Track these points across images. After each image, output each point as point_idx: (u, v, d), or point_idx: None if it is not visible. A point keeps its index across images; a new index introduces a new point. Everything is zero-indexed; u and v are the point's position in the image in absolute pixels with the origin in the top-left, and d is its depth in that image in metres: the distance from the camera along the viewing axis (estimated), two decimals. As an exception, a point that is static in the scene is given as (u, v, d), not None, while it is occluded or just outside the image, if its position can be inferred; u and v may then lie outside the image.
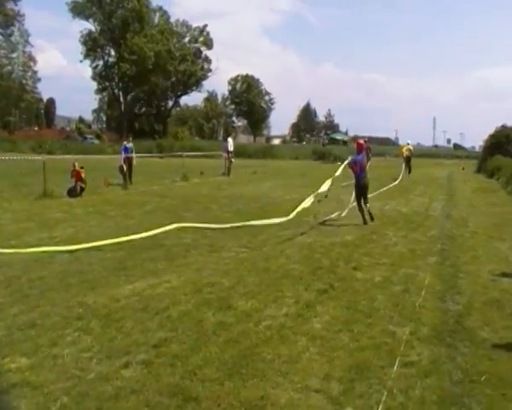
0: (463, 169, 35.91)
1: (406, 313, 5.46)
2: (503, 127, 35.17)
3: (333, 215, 12.05)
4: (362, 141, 12.92)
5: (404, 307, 5.63)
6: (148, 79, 70.77)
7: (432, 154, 64.56)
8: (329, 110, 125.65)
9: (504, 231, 10.72)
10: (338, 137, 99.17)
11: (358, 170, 11.53)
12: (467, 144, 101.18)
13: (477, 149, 58.78)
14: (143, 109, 79.36)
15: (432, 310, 5.57)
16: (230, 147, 25.70)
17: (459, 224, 11.54)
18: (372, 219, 11.34)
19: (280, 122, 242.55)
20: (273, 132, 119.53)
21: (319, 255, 8.09)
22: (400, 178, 23.33)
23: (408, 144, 29.10)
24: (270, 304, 5.66)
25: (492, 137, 35.32)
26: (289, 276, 6.82)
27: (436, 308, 5.64)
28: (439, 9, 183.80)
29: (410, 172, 27.02)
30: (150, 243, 8.64)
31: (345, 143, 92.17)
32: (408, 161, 27.46)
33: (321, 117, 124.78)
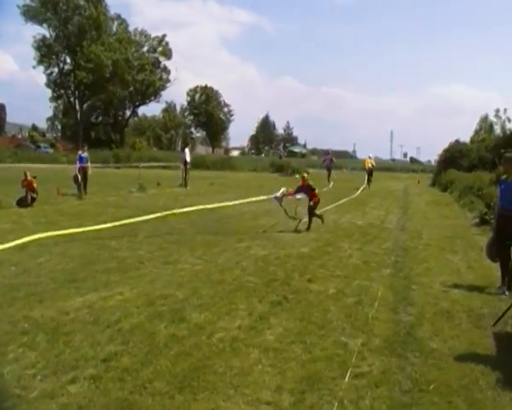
0: (419, 182, 36.88)
1: (359, 324, 5.55)
2: (457, 142, 36.47)
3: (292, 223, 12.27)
4: (305, 175, 12.97)
5: (357, 319, 5.72)
6: (106, 88, 69.72)
7: (389, 167, 66.15)
8: (288, 123, 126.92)
9: (456, 244, 11.10)
10: (296, 149, 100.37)
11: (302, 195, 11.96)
12: (423, 158, 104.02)
13: (433, 163, 60.67)
14: (100, 118, 78.08)
15: (384, 321, 5.68)
16: (188, 158, 25.57)
17: (413, 236, 11.86)
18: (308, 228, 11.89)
19: (239, 134, 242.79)
20: (232, 144, 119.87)
21: (274, 267, 8.14)
22: (362, 188, 25.25)
23: (370, 158, 30.87)
24: (224, 316, 5.65)
25: (446, 151, 36.46)
26: (244, 288, 6.83)
27: (388, 320, 5.76)
28: (400, 27, 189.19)
29: (369, 184, 28.28)
30: (104, 254, 8.49)
31: (303, 155, 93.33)
32: (370, 174, 29.33)
33: (280, 129, 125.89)
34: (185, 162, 25.27)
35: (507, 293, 7.01)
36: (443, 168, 33.85)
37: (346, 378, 4.21)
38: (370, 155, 32.04)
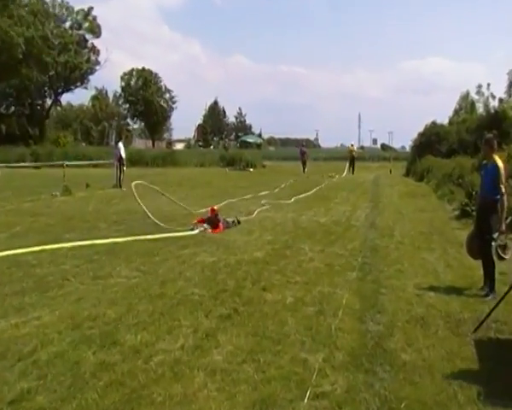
0: (391, 172, 37.76)
1: (320, 337, 5.63)
2: (434, 124, 37.30)
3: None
4: (215, 208, 13.18)
5: (318, 331, 5.79)
6: (18, 72, 67.47)
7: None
8: (240, 109, 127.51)
9: (433, 240, 11.44)
10: (250, 139, 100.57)
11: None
12: (396, 144, 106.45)
13: (407, 150, 61.97)
14: (13, 108, 75.82)
15: (349, 332, 5.78)
16: (123, 153, 25.24)
17: (384, 234, 12.14)
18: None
19: (183, 124, 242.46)
20: (175, 136, 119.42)
21: (223, 276, 8.18)
22: (345, 174, 34.24)
23: (352, 146, 42.61)
24: (164, 336, 5.63)
25: (422, 135, 37.37)
26: (188, 302, 6.82)
27: (354, 330, 5.86)
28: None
29: (353, 172, 37.78)
30: (17, 272, 8.27)
31: (258, 146, 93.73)
32: (353, 161, 39.28)
33: (231, 117, 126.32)
34: (120, 159, 24.95)
35: (491, 295, 7.17)
36: (418, 155, 34.78)
37: (305, 400, 4.25)
38: (353, 142, 43.88)
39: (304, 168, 39.17)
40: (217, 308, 6.55)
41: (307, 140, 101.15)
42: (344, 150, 63.64)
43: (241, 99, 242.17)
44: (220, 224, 12.43)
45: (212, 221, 12.47)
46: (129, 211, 15.62)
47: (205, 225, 12.30)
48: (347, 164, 39.69)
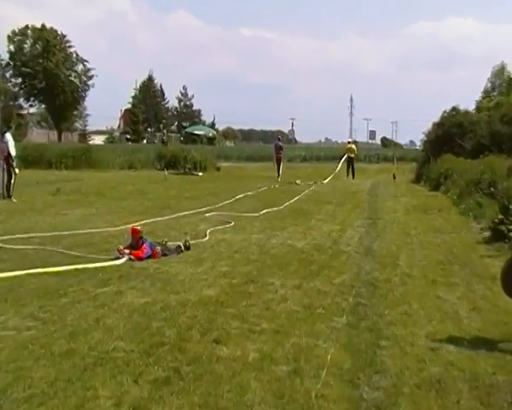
0: (395, 178, 38.01)
1: (295, 408, 5.68)
2: (455, 111, 37.55)
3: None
4: (138, 228, 13.29)
5: (293, 400, 5.84)
6: None
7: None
8: (185, 88, 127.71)
9: (454, 272, 11.62)
10: (199, 131, 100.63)
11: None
12: (402, 139, 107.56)
13: (417, 146, 62.53)
14: None
15: (336, 401, 5.83)
16: (12, 149, 24.97)
17: (385, 263, 12.31)
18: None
19: (104, 109, 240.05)
20: (93, 126, 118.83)
21: (160, 324, 8.14)
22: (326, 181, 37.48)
23: (350, 143, 45.34)
24: (72, 413, 5.61)
25: (438, 126, 37.60)
26: (109, 361, 6.79)
27: (342, 398, 5.92)
28: None
29: (353, 175, 41.21)
30: None
31: (211, 140, 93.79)
32: (351, 162, 42.27)
33: (172, 100, 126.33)
34: (7, 157, 24.68)
35: None
36: (433, 153, 34.98)
37: None
38: (350, 139, 49.54)
39: (278, 170, 40.65)
40: (150, 370, 6.54)
41: (280, 132, 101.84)
42: (330, 147, 64.64)
43: (187, 75, 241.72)
44: (144, 248, 12.46)
45: (135, 246, 12.54)
46: (23, 230, 15.50)
47: (125, 251, 12.26)
48: (339, 166, 44.00)
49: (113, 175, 40.11)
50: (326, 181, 37.94)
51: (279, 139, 45.74)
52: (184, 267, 11.73)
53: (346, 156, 43.42)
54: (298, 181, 36.26)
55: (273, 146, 44.29)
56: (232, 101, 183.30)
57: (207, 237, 15.05)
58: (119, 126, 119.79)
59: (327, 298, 9.55)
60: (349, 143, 46.34)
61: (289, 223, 17.80)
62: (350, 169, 42.00)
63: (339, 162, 45.76)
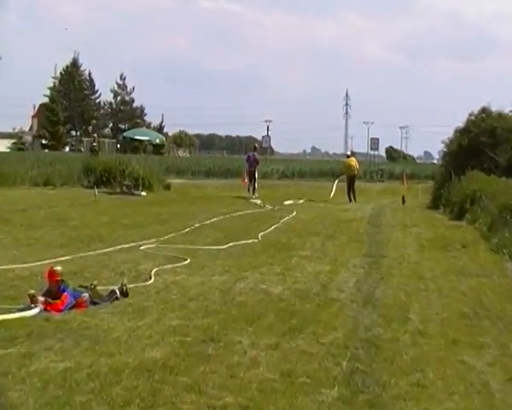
0: (404, 202, 38.28)
1: None
2: (485, 113, 37.71)
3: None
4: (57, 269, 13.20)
5: None
6: None
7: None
8: (123, 78, 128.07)
9: (483, 329, 11.56)
10: (142, 136, 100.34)
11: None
12: (413, 150, 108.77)
13: (435, 160, 62.96)
14: None
15: None
16: None
17: (391, 316, 12.21)
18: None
19: (9, 104, 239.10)
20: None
21: (86, 397, 7.94)
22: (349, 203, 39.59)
23: (350, 158, 45.84)
24: None
25: (463, 134, 37.80)
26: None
27: None
28: None
29: (354, 197, 42.18)
30: None
31: (158, 148, 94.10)
32: (352, 181, 43.28)
33: (105, 92, 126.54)
34: None
35: None
36: (456, 169, 35.14)
37: None
38: (349, 152, 49.85)
39: (253, 188, 42.97)
40: None
41: (254, 141, 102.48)
42: (318, 159, 65.43)
43: (125, 60, 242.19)
44: (65, 297, 12.26)
45: (54, 293, 12.31)
46: None
47: (40, 299, 12.03)
48: (333, 188, 45.24)
49: (22, 194, 39.71)
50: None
51: (255, 149, 46.42)
52: (120, 321, 11.49)
53: (344, 176, 44.30)
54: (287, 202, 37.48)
55: (245, 158, 45.37)
56: (186, 96, 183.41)
57: (152, 280, 14.87)
58: (31, 128, 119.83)
59: (313, 362, 9.39)
60: (348, 157, 46.99)
61: (263, 261, 17.69)
62: (351, 190, 42.34)
63: (333, 184, 46.36)
